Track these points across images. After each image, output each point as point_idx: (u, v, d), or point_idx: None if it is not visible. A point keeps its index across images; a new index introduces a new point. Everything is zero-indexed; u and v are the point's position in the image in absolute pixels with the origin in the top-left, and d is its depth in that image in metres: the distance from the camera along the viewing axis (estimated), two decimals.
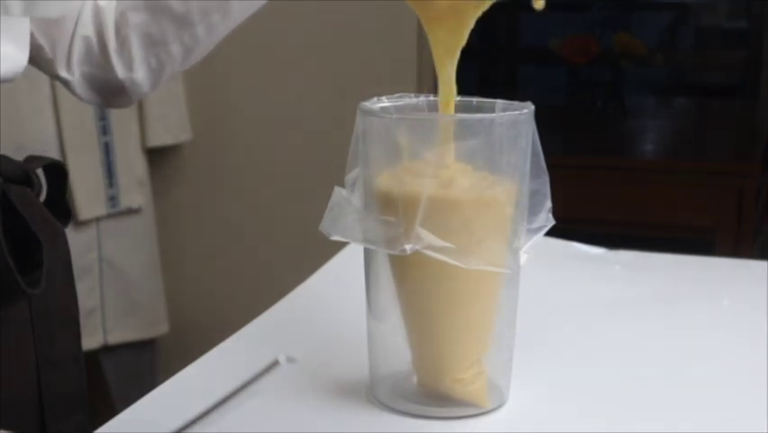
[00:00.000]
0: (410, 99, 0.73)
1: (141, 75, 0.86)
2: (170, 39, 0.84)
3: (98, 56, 0.86)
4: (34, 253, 0.73)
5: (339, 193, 0.70)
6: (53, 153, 1.90)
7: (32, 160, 0.80)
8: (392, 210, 0.66)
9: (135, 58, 0.85)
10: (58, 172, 0.82)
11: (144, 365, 2.22)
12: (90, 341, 2.05)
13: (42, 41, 0.84)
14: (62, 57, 0.85)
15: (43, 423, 0.76)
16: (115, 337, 2.12)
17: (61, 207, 0.81)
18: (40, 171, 0.81)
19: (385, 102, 0.72)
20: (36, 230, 0.73)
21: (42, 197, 0.81)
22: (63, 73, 0.86)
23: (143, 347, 2.22)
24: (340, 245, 0.93)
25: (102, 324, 2.09)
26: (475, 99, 0.71)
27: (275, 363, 0.43)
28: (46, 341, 0.76)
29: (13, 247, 0.71)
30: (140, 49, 0.85)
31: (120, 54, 0.85)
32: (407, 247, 0.65)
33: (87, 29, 0.85)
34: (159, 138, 2.22)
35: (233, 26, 0.86)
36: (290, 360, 0.44)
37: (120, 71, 0.85)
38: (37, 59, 0.85)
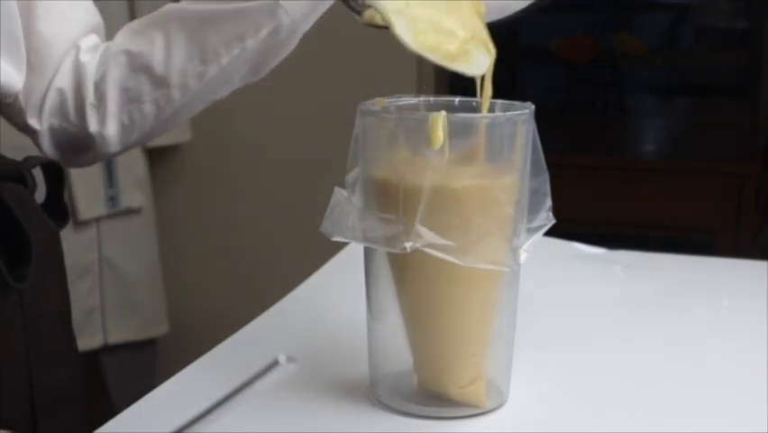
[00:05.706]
0: (410, 99, 0.73)
1: (112, 131, 0.84)
2: (145, 97, 0.83)
3: (72, 109, 0.84)
4: (26, 250, 0.73)
5: (339, 193, 0.70)
6: None
7: (29, 159, 0.80)
8: (392, 209, 0.66)
9: (110, 112, 0.84)
10: (55, 172, 0.83)
11: (144, 365, 2.22)
12: (90, 341, 2.05)
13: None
14: (35, 107, 0.84)
15: (34, 419, 0.76)
16: (115, 337, 2.12)
17: (60, 207, 0.82)
18: (38, 172, 0.81)
19: (385, 102, 0.72)
20: (26, 226, 0.73)
21: (42, 197, 0.82)
22: (33, 123, 0.85)
23: (143, 347, 2.21)
24: (340, 245, 0.93)
25: (102, 324, 2.09)
26: (475, 99, 0.71)
27: (275, 363, 0.43)
28: (37, 337, 0.76)
29: (3, 243, 0.72)
30: (115, 103, 0.84)
31: (96, 108, 0.84)
32: (408, 245, 0.65)
33: (64, 81, 0.84)
34: (159, 138, 2.21)
35: (213, 97, 0.85)
36: (290, 360, 0.44)
37: (92, 125, 0.84)
38: (9, 107, 0.84)
